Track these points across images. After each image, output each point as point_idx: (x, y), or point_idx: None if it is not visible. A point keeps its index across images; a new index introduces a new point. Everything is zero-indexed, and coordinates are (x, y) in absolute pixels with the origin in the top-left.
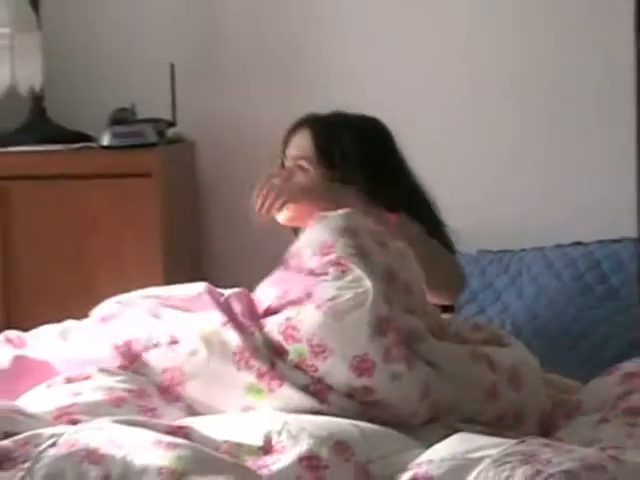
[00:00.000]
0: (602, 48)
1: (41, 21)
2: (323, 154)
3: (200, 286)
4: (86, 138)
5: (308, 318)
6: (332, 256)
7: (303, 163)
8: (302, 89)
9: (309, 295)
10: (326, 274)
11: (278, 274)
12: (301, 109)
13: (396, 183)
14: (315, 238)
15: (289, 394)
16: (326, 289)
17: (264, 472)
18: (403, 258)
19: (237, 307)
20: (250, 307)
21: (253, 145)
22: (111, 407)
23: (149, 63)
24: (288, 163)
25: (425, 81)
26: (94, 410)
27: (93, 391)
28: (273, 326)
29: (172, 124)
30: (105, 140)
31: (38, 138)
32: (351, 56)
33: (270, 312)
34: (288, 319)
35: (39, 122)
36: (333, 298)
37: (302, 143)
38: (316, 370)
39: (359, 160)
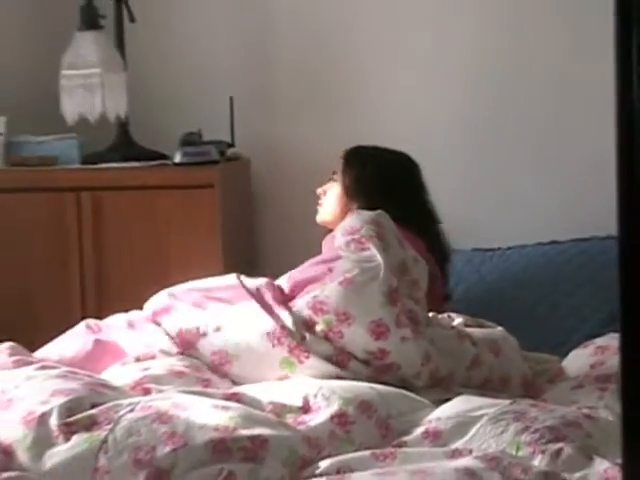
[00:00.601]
0: (583, 58)
1: (126, 63)
2: (345, 170)
3: (232, 278)
4: (162, 157)
5: (332, 293)
6: (356, 235)
7: (334, 176)
8: (338, 118)
9: (330, 270)
10: (348, 250)
11: (310, 259)
12: (337, 134)
13: (408, 201)
14: (346, 224)
15: (316, 364)
16: (345, 263)
17: (303, 427)
18: (417, 262)
19: (267, 294)
20: (277, 293)
21: (298, 162)
22: (175, 378)
23: (213, 96)
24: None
25: (439, 106)
26: (161, 380)
27: (159, 367)
28: (302, 304)
29: (231, 145)
30: (177, 158)
31: (123, 156)
32: (378, 85)
33: (292, 296)
34: (315, 297)
35: (124, 143)
36: (349, 270)
37: (340, 163)
38: (342, 336)
39: (376, 177)
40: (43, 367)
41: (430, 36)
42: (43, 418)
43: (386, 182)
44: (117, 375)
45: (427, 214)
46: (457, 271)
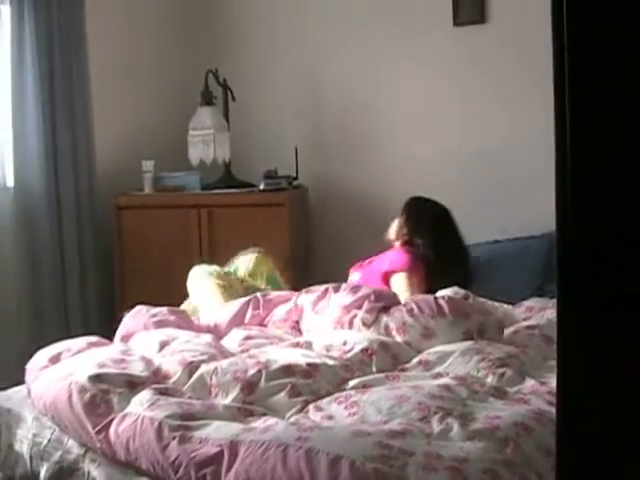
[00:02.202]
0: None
1: (229, 126)
2: (403, 212)
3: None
4: (251, 185)
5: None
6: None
7: (398, 217)
8: (368, 162)
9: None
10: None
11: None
12: (367, 173)
13: (437, 237)
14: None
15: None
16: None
17: (344, 356)
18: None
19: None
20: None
21: (340, 190)
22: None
23: (284, 146)
24: None
25: (439, 155)
26: (258, 347)
27: (256, 331)
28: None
29: (295, 178)
30: (261, 186)
31: (227, 186)
32: (399, 140)
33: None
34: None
35: (228, 177)
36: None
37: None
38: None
39: (425, 224)
40: (198, 336)
41: (441, 108)
42: (191, 363)
43: (425, 223)
44: (232, 336)
45: (453, 247)
46: None
